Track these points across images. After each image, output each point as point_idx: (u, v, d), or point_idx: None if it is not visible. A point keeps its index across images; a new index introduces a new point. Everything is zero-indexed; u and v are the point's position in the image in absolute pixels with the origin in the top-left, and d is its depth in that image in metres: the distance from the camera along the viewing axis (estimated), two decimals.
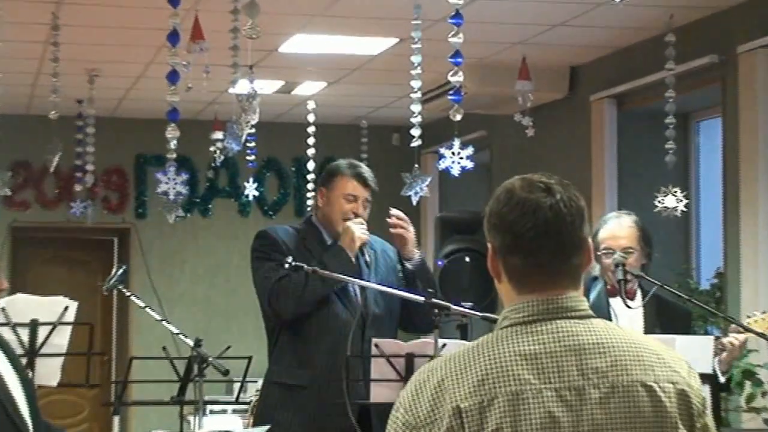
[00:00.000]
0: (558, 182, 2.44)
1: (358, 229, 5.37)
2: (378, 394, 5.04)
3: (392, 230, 5.46)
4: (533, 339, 2.36)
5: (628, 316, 5.25)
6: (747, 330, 5.18)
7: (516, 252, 2.41)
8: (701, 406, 2.43)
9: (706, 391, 5.00)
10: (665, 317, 5.38)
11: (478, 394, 2.31)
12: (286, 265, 5.09)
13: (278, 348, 5.41)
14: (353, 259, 5.36)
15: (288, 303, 5.28)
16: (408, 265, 5.49)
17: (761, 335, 5.18)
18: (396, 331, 5.54)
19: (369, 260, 5.46)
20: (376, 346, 4.98)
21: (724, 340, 5.21)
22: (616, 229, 5.40)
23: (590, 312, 2.43)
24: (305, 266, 5.08)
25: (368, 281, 5.34)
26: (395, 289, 5.22)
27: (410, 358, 4.96)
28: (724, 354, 5.19)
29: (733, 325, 5.27)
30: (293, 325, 5.36)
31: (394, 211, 5.48)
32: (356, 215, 5.44)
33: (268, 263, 5.36)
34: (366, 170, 5.55)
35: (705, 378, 4.95)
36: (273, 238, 5.44)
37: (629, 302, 5.26)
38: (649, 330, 5.21)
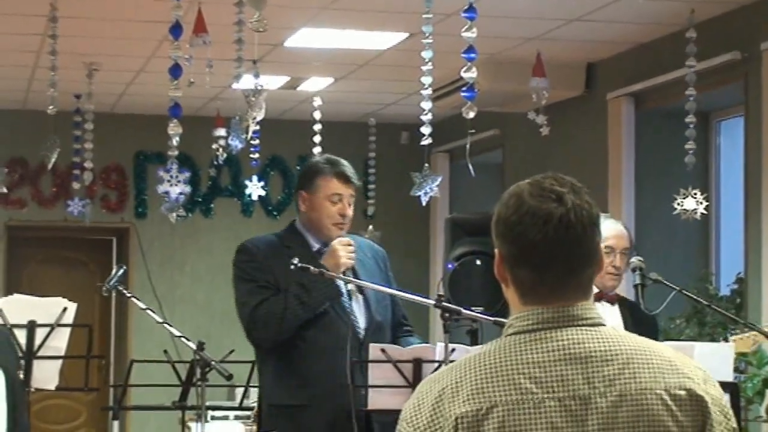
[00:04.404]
0: (570, 188, 2.36)
1: (345, 254, 5.18)
2: (378, 400, 5.01)
3: None
4: (537, 347, 2.32)
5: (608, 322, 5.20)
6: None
7: (524, 265, 2.35)
8: (722, 415, 2.35)
9: (725, 399, 4.90)
10: (637, 322, 5.36)
11: (476, 401, 2.27)
12: (292, 266, 4.95)
13: (273, 367, 5.25)
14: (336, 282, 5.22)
15: (268, 333, 5.16)
16: None
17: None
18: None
19: (352, 289, 5.30)
20: (383, 351, 4.91)
21: None
22: (617, 229, 5.47)
23: (599, 320, 2.37)
24: (311, 267, 4.95)
25: (353, 305, 5.27)
26: (405, 292, 5.08)
27: (418, 364, 4.92)
28: None
29: None
30: (289, 344, 5.21)
31: None
32: (343, 216, 5.28)
33: (247, 285, 5.23)
34: (347, 165, 5.38)
35: (725, 386, 4.84)
36: (254, 254, 5.29)
37: (608, 306, 5.30)
38: None
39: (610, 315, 5.30)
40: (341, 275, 5.15)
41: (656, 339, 5.42)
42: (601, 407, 2.27)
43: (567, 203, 2.32)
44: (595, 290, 5.18)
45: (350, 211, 5.32)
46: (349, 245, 5.19)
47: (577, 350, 2.30)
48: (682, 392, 2.31)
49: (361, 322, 5.28)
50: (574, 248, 2.33)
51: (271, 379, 5.25)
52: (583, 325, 2.33)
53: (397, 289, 5.09)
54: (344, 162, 5.40)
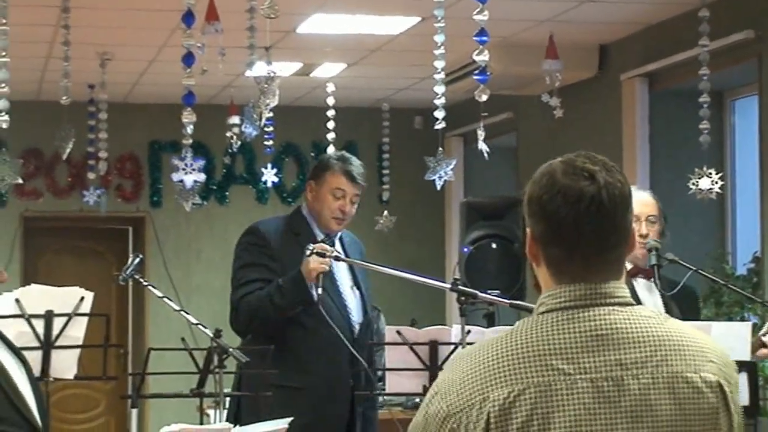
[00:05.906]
0: (602, 167, 2.36)
1: (314, 260, 5.21)
2: (395, 384, 5.09)
3: None
4: (569, 327, 2.30)
5: (651, 301, 5.19)
6: None
7: (556, 243, 2.34)
8: (737, 399, 2.37)
9: (743, 379, 4.89)
10: (677, 298, 5.30)
11: (509, 383, 2.26)
12: (307, 252, 5.12)
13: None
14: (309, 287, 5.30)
15: (241, 325, 5.44)
16: None
17: None
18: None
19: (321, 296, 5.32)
20: (399, 333, 4.98)
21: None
22: (641, 196, 5.37)
23: (630, 299, 2.35)
24: (326, 254, 5.15)
25: (349, 300, 5.45)
26: (421, 276, 5.08)
27: (434, 346, 4.96)
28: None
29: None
30: (289, 328, 5.35)
31: None
32: (342, 212, 5.45)
33: (245, 272, 5.45)
34: (356, 165, 5.56)
35: (743, 365, 4.84)
36: (265, 238, 5.46)
37: (645, 282, 5.23)
38: (668, 312, 5.15)
39: (648, 290, 5.25)
40: (364, 261, 5.33)
41: (698, 309, 5.46)
42: (633, 389, 2.27)
43: (599, 181, 2.33)
44: (630, 266, 5.17)
45: (352, 210, 5.50)
46: (324, 254, 5.23)
47: (609, 330, 2.30)
48: (711, 376, 2.32)
49: (356, 317, 5.45)
50: (605, 226, 2.33)
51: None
52: (615, 304, 2.32)
53: (413, 274, 5.09)
54: (356, 162, 5.58)
